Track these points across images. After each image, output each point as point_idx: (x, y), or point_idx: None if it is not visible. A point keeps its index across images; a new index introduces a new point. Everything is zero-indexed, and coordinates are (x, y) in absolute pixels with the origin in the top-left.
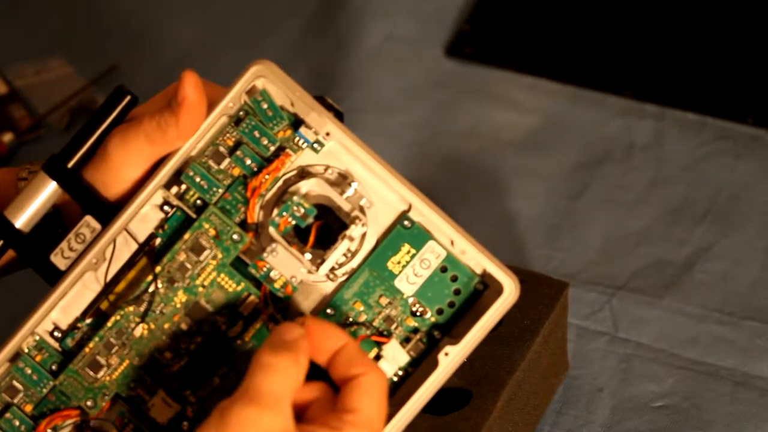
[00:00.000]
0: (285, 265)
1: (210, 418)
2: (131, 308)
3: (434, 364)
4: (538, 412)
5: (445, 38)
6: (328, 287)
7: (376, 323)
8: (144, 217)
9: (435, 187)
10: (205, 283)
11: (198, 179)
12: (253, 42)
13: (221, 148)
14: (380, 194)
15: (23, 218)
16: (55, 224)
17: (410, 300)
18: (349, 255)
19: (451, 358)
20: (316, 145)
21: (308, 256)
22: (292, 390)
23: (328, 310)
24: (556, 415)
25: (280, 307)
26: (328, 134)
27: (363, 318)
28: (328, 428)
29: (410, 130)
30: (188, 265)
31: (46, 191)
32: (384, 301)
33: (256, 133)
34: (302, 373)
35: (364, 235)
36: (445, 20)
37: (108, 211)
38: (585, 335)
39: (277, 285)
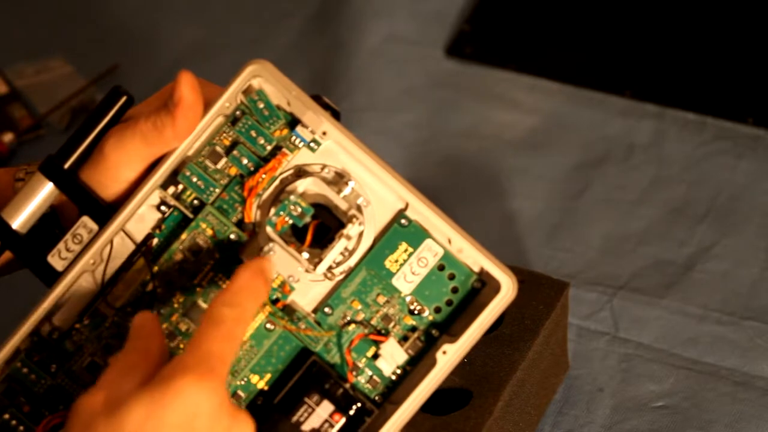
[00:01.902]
0: (282, 264)
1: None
2: (129, 309)
3: (432, 363)
4: (539, 412)
5: (445, 38)
6: (326, 286)
7: (374, 322)
8: (141, 218)
9: (435, 187)
10: (203, 284)
11: (195, 179)
12: (253, 42)
13: (218, 148)
14: (377, 193)
15: (20, 219)
16: (52, 225)
17: (408, 298)
18: (346, 254)
19: (449, 356)
20: (312, 144)
21: (306, 255)
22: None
23: (326, 309)
24: (557, 415)
25: (278, 307)
26: (324, 133)
27: (361, 317)
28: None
29: (410, 130)
30: (186, 265)
31: (43, 192)
32: (382, 299)
33: (253, 133)
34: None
35: (361, 234)
36: (445, 20)
37: (105, 211)
38: (585, 335)
39: (274, 284)
